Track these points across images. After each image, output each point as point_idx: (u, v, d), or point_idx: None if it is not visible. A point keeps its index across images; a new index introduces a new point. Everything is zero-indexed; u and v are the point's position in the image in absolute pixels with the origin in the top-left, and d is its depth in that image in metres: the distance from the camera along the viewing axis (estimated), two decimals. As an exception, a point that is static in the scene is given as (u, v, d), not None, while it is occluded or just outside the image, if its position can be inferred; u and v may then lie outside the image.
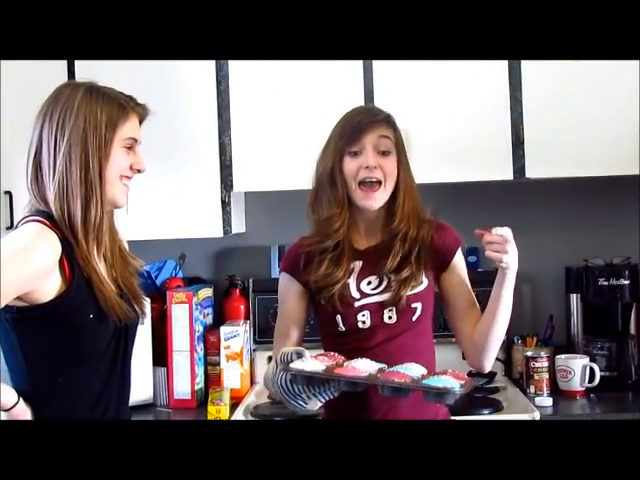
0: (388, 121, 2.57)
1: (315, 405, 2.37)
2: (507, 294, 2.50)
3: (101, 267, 2.30)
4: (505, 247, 2.40)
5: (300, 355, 2.36)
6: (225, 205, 3.54)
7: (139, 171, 2.35)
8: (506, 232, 2.40)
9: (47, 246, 2.17)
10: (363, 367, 2.33)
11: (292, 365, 2.31)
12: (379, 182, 2.53)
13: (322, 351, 2.50)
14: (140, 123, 2.36)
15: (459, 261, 2.66)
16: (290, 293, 2.65)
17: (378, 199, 2.54)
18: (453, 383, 2.24)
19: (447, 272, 2.63)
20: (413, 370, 2.32)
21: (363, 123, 2.54)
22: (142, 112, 2.35)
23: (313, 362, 2.33)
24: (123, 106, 2.29)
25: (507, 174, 3.46)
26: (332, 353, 2.44)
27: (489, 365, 2.63)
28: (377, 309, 2.55)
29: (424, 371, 2.34)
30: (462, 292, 2.64)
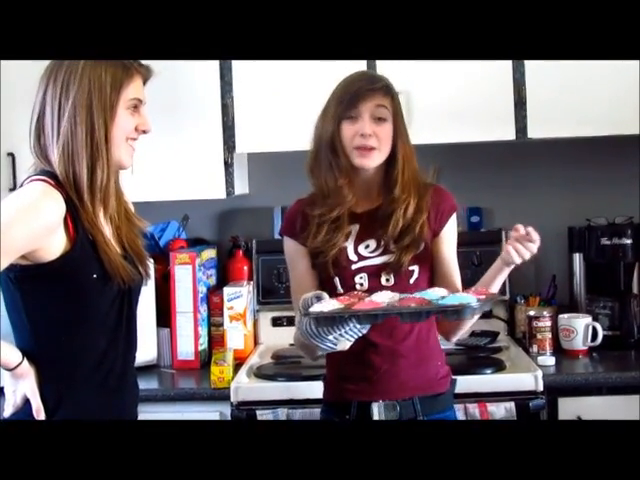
0: (386, 89, 2.58)
1: (345, 345, 2.40)
2: (497, 286, 2.58)
3: (107, 229, 2.31)
4: (533, 249, 2.48)
5: (319, 298, 2.38)
6: (228, 166, 3.54)
7: (144, 132, 2.34)
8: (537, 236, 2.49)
9: (52, 204, 2.17)
10: (381, 299, 2.36)
11: (311, 309, 2.33)
12: (374, 148, 2.55)
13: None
14: (144, 84, 2.35)
15: (450, 229, 2.68)
16: (296, 255, 2.68)
17: (374, 158, 2.56)
18: (469, 299, 2.28)
19: (437, 238, 2.65)
20: (432, 294, 2.35)
21: (362, 90, 2.55)
22: (146, 73, 2.34)
23: (332, 302, 2.35)
24: (127, 67, 2.28)
25: (509, 134, 3.45)
26: (355, 292, 2.47)
27: (455, 338, 2.72)
28: (375, 271, 2.58)
29: (444, 293, 2.37)
30: (446, 262, 2.67)
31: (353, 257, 2.59)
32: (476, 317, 2.59)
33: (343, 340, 2.37)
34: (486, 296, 2.34)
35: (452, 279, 2.65)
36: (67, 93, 2.22)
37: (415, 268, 2.58)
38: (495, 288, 2.56)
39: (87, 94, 2.22)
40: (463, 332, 2.71)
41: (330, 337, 2.34)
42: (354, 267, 2.58)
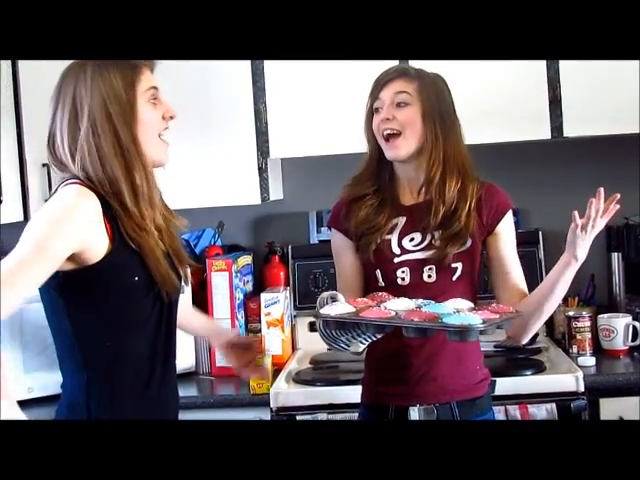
0: (406, 76, 2.57)
1: (358, 347, 2.42)
2: (568, 278, 2.49)
3: (154, 233, 2.27)
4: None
5: (334, 299, 2.39)
6: (262, 172, 3.54)
7: (171, 117, 2.31)
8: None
9: (89, 202, 2.16)
10: (393, 307, 2.32)
11: (321, 310, 2.34)
12: (399, 133, 2.54)
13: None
14: (151, 72, 2.32)
15: (506, 227, 2.62)
16: (341, 248, 2.68)
17: (400, 147, 2.55)
18: (473, 320, 2.19)
19: (492, 237, 2.60)
20: (444, 307, 2.30)
21: (381, 81, 2.59)
22: (150, 63, 2.32)
23: (343, 306, 2.34)
24: (133, 63, 2.26)
25: (545, 133, 3.43)
26: (380, 294, 2.46)
27: (526, 339, 2.62)
28: (417, 266, 2.55)
29: (463, 306, 2.32)
30: (507, 260, 2.61)
31: (396, 250, 2.57)
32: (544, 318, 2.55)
33: (356, 343, 2.39)
34: (500, 315, 2.26)
35: (514, 280, 2.59)
36: (81, 108, 2.21)
37: (459, 265, 2.54)
38: (566, 282, 2.50)
39: (102, 103, 2.20)
40: (532, 332, 2.59)
41: (342, 338, 2.37)
42: (396, 260, 2.56)
